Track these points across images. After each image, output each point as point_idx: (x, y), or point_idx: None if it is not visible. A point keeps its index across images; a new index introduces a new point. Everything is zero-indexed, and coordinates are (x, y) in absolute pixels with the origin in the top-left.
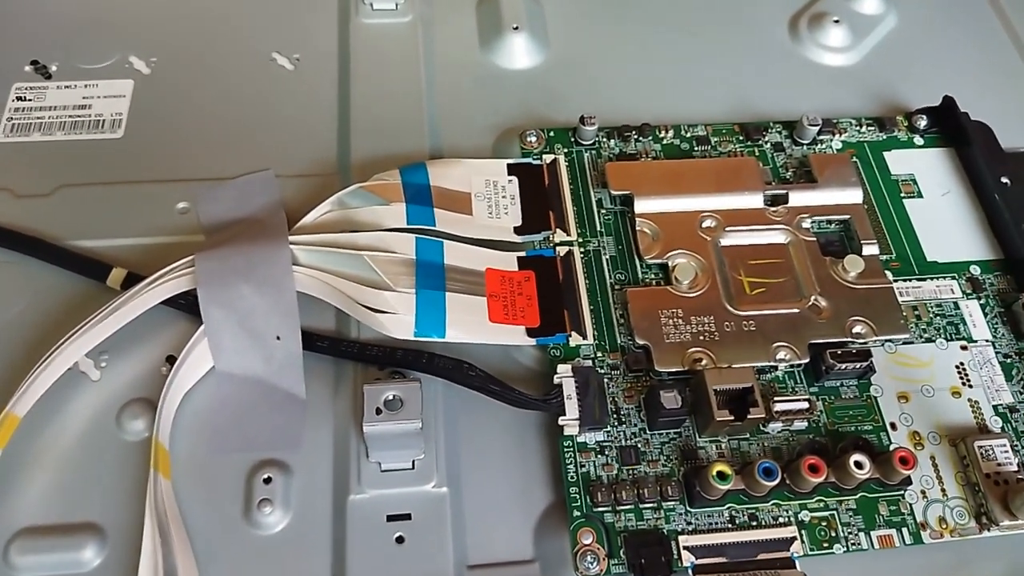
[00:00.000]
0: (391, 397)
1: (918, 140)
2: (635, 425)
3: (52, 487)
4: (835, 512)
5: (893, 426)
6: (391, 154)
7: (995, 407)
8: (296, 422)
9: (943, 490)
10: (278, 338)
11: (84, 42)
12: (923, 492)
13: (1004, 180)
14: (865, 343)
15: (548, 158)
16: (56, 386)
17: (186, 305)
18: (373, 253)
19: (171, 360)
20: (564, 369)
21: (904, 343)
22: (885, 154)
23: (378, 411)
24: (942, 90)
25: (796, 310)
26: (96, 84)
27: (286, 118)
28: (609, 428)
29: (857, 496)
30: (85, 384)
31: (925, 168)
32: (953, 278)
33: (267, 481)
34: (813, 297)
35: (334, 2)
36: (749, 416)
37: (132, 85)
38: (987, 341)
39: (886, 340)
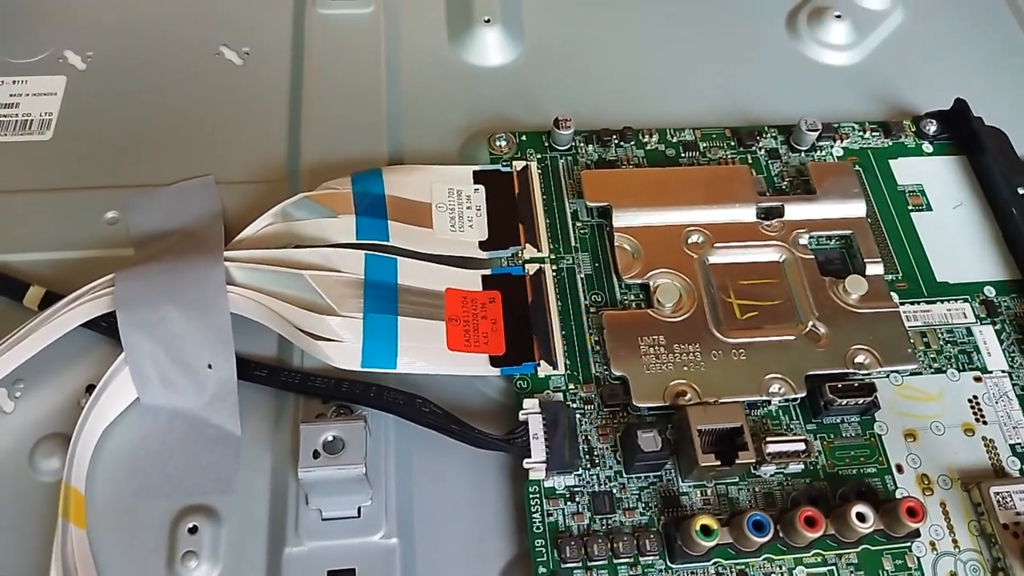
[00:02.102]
0: (331, 438)
1: (927, 147)
2: (610, 467)
3: None
4: (834, 568)
5: (899, 468)
6: (346, 159)
7: (1012, 446)
8: (229, 462)
9: (955, 541)
10: (210, 366)
11: (14, 34)
12: (932, 544)
13: (1021, 191)
14: (869, 375)
15: (519, 165)
16: None
17: (109, 328)
18: (316, 273)
19: (91, 390)
20: (531, 404)
21: (912, 374)
22: (891, 162)
23: (316, 454)
24: (953, 92)
25: (792, 337)
26: (25, 80)
27: (232, 119)
28: (580, 471)
29: (859, 549)
30: None
31: (935, 178)
32: (966, 300)
33: (192, 530)
34: (811, 322)
35: None
36: (738, 461)
37: (65, 82)
38: (1003, 372)
39: (892, 371)
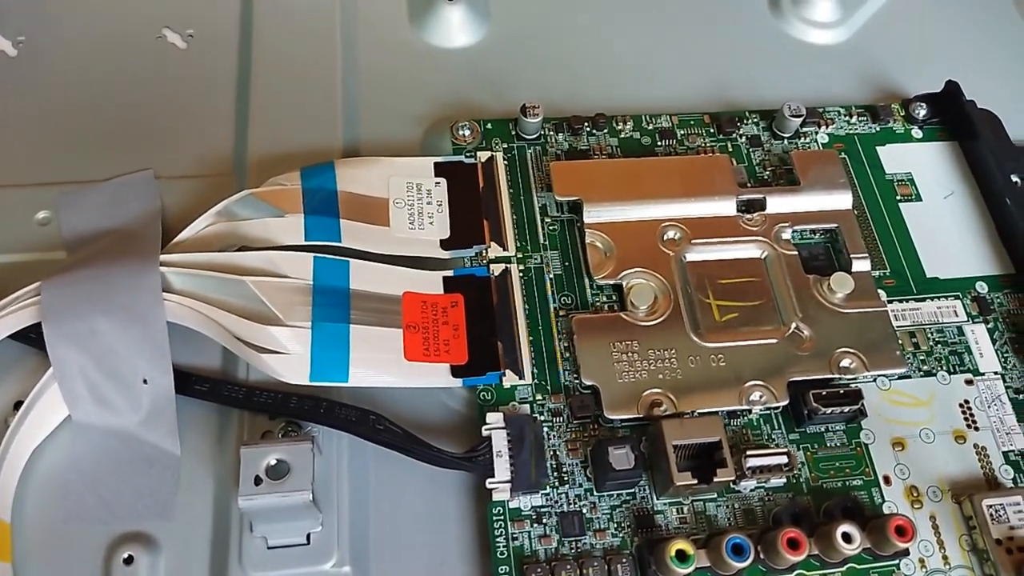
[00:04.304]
0: (274, 462)
1: (916, 132)
2: (580, 485)
3: None
4: None
5: (887, 480)
6: (297, 151)
7: (1006, 454)
8: (167, 485)
9: (945, 557)
10: (145, 381)
11: None
12: (921, 561)
13: (1015, 179)
14: (855, 379)
15: (483, 155)
16: None
17: (37, 340)
18: (260, 279)
19: (20, 407)
20: (494, 419)
21: (900, 377)
22: (879, 149)
23: (258, 480)
24: (945, 72)
25: (774, 340)
26: None
27: (175, 107)
28: (548, 490)
29: (844, 569)
30: None
31: (925, 165)
32: (957, 297)
33: (128, 561)
34: (794, 324)
35: None
36: (716, 479)
37: None
38: (996, 373)
39: (879, 375)
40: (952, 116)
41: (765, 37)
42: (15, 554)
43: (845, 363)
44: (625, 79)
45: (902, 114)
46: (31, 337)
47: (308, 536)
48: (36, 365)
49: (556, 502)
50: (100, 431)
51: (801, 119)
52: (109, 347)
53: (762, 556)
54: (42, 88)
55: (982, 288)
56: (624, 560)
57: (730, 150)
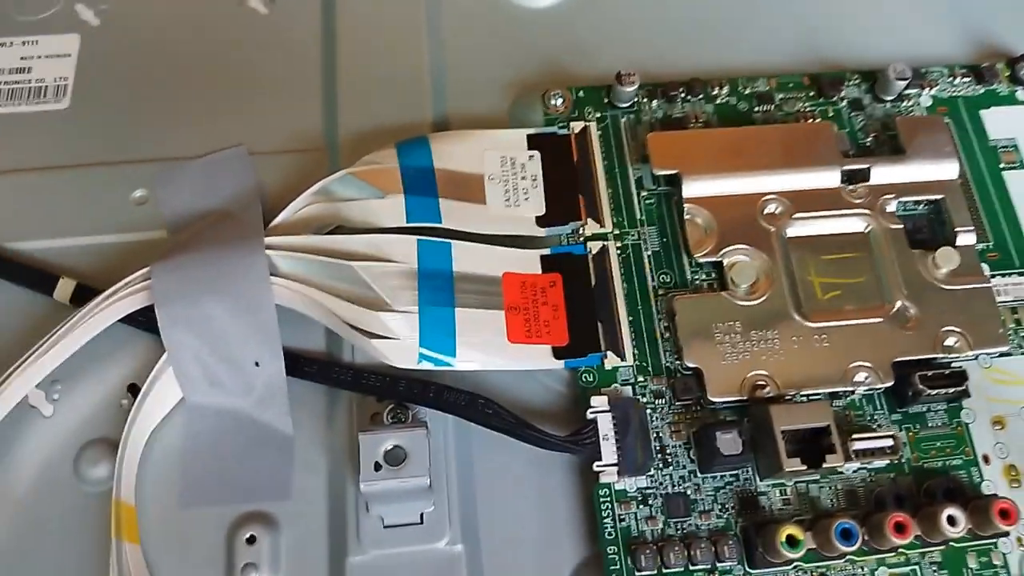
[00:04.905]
0: (391, 448)
1: (1021, 94)
2: (683, 467)
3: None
4: (917, 567)
5: (986, 459)
6: (387, 122)
7: None
8: (283, 464)
9: None
10: (257, 364)
11: None
12: (1019, 539)
13: None
14: (958, 358)
15: (577, 126)
16: (2, 425)
17: (147, 323)
18: (366, 264)
19: (133, 390)
20: (599, 402)
21: (1001, 355)
22: (982, 113)
23: (377, 466)
24: None
25: (879, 319)
26: (36, 41)
27: (261, 78)
28: (652, 472)
29: (944, 547)
30: (36, 421)
31: None
32: None
33: (251, 541)
34: (899, 302)
35: None
36: (825, 465)
37: (79, 40)
38: None
39: (981, 354)
40: None
41: None
42: (141, 535)
43: (949, 342)
44: (719, 39)
45: (1007, 74)
46: (140, 320)
47: (421, 516)
48: (144, 347)
49: (661, 484)
50: (215, 413)
51: (906, 82)
52: (221, 331)
53: (867, 538)
54: (126, 60)
55: None
56: (730, 542)
57: (831, 115)
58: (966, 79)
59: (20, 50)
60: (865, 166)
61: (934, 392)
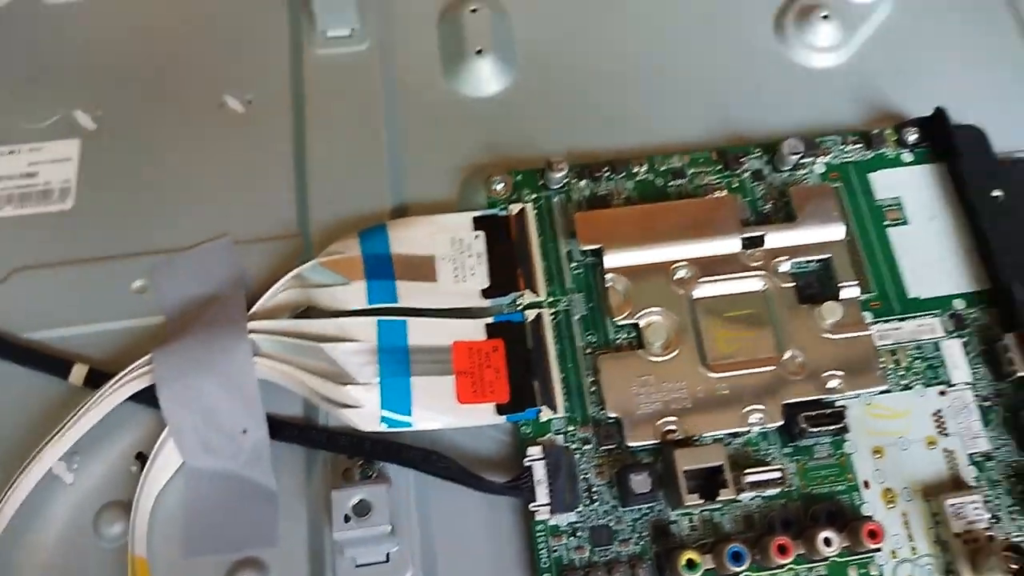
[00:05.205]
0: (358, 502)
1: (907, 156)
2: (607, 503)
3: None
4: None
5: (867, 484)
6: (353, 210)
7: (971, 456)
8: (269, 516)
9: (913, 549)
10: (244, 431)
11: (25, 96)
12: (893, 552)
13: (996, 194)
14: (841, 398)
15: (515, 208)
16: (31, 493)
17: (151, 400)
18: (334, 345)
19: (140, 457)
20: (534, 451)
21: (881, 392)
22: (871, 175)
23: (347, 517)
24: (941, 89)
25: (771, 368)
26: (41, 147)
27: (242, 171)
28: (580, 508)
29: (828, 562)
30: (59, 488)
31: (913, 189)
32: (936, 315)
33: None
34: (789, 351)
35: (285, 32)
36: (719, 497)
37: (79, 145)
38: (967, 384)
39: (862, 393)
40: (940, 139)
41: (770, 64)
42: None
43: (832, 384)
44: (640, 118)
45: (894, 139)
46: (145, 398)
47: (388, 555)
48: (150, 421)
49: (588, 518)
50: (210, 475)
51: (799, 156)
52: (213, 405)
53: (757, 559)
54: (122, 160)
55: (959, 305)
56: (646, 565)
57: (735, 185)
58: (857, 145)
59: (27, 156)
60: (761, 233)
61: (815, 430)
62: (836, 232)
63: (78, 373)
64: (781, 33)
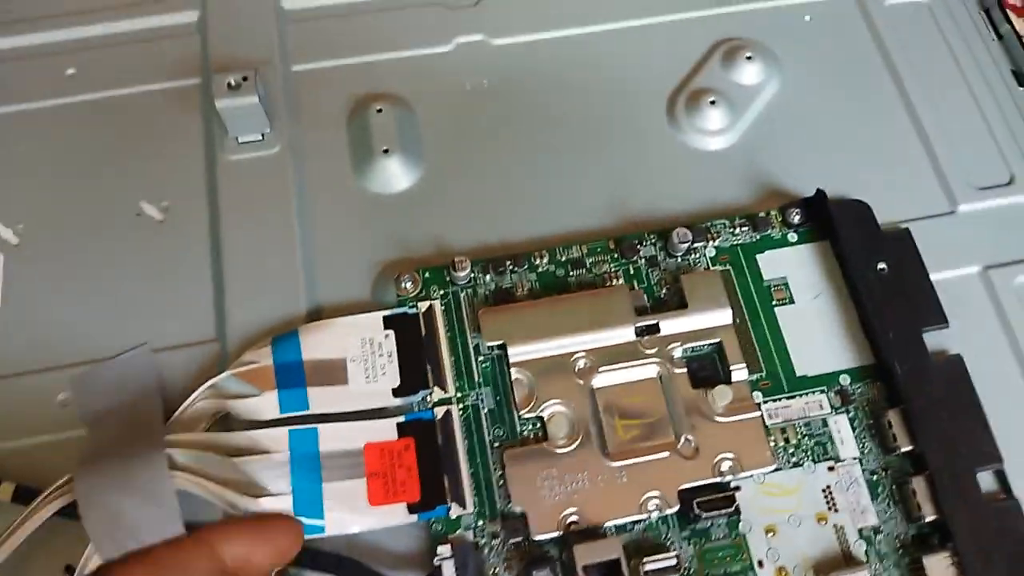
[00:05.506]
0: None
1: (792, 236)
2: None
3: None
4: None
5: (761, 564)
6: (268, 311)
7: (860, 530)
8: None
9: None
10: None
11: None
12: None
13: (881, 266)
14: (734, 479)
15: (423, 306)
16: None
17: (75, 515)
18: (246, 459)
19: (69, 570)
20: (443, 550)
21: (773, 470)
22: (758, 257)
23: None
24: (828, 162)
25: (667, 453)
26: None
27: (161, 278)
28: None
29: None
30: None
31: (799, 268)
32: (823, 392)
33: None
34: (684, 436)
35: (199, 139)
36: None
37: (1, 260)
38: (854, 458)
39: (753, 473)
40: (822, 218)
41: (664, 149)
42: None
43: (724, 467)
44: (543, 207)
45: (780, 219)
46: (69, 513)
47: None
48: (76, 535)
49: None
50: None
51: (688, 244)
52: (133, 520)
53: None
54: (45, 273)
55: (845, 380)
56: None
57: (632, 272)
58: (744, 227)
59: None
60: (654, 321)
61: (709, 514)
62: (723, 317)
63: (5, 491)
64: (673, 117)
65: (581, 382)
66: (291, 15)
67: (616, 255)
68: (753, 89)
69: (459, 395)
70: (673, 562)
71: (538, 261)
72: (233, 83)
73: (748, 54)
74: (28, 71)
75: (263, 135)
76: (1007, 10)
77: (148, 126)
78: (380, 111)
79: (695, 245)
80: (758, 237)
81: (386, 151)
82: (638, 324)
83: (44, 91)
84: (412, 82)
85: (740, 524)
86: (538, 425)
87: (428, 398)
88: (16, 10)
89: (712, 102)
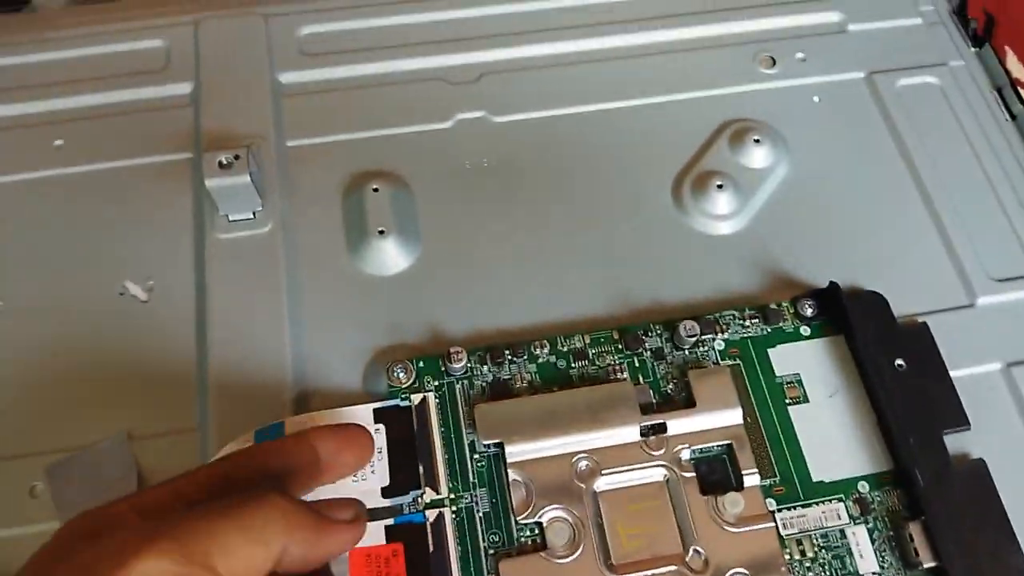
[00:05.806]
0: None
1: (805, 330)
2: None
3: None
4: None
5: None
6: (253, 398)
7: None
8: None
9: None
10: None
11: None
12: None
13: (899, 363)
14: None
15: (416, 398)
16: None
17: None
18: None
19: None
20: None
21: None
22: (770, 352)
23: None
24: (841, 250)
25: (674, 567)
26: None
27: (142, 362)
28: None
29: None
30: None
31: (813, 364)
32: (840, 500)
33: None
34: (692, 548)
35: (189, 215)
36: None
37: None
38: (874, 574)
39: None
40: (836, 311)
41: (669, 233)
42: None
43: None
44: (544, 297)
45: (792, 311)
46: None
47: None
48: None
49: None
50: None
51: (695, 338)
52: None
53: None
54: (22, 353)
55: (864, 488)
56: None
57: (636, 364)
58: (755, 319)
59: None
60: (660, 421)
61: None
62: (734, 416)
63: None
64: (679, 201)
65: (583, 485)
66: (287, 88)
67: (621, 346)
68: (761, 172)
69: (452, 496)
70: None
71: (538, 351)
72: (224, 161)
73: (756, 137)
74: (14, 141)
75: (254, 213)
76: (1019, 89)
77: (137, 200)
78: (376, 190)
79: (703, 338)
80: (769, 330)
81: (382, 232)
82: (643, 423)
83: (30, 162)
84: (410, 159)
85: None
86: (536, 531)
87: (419, 499)
88: (2, 78)
89: (720, 186)
